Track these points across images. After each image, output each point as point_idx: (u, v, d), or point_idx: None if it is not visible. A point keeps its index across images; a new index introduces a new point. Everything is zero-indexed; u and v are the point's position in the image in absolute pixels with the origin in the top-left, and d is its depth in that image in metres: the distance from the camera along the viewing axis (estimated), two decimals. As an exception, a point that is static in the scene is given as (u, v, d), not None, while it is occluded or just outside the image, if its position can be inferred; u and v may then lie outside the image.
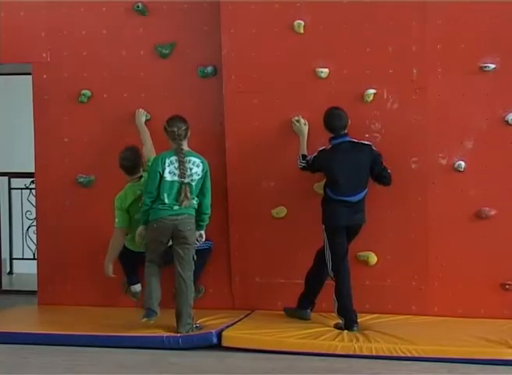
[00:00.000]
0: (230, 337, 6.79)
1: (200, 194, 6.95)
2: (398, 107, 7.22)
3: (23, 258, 10.08)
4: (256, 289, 7.64)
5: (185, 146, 6.96)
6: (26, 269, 9.72)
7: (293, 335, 6.77)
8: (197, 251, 7.15)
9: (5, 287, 9.54)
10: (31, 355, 6.75)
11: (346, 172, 6.90)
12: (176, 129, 6.91)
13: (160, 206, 6.84)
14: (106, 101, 7.86)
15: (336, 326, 6.96)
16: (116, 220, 7.34)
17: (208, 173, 6.97)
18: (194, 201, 6.91)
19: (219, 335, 6.79)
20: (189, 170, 6.86)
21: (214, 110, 7.65)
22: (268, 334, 6.79)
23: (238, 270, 7.68)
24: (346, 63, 7.29)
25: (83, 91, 7.88)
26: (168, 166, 6.86)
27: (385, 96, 7.23)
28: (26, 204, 9.87)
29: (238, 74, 7.48)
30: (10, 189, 9.96)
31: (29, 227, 10.00)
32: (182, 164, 6.85)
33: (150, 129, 7.72)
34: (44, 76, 7.96)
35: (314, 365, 6.40)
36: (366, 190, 6.98)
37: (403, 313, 7.27)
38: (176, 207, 6.84)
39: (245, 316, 7.41)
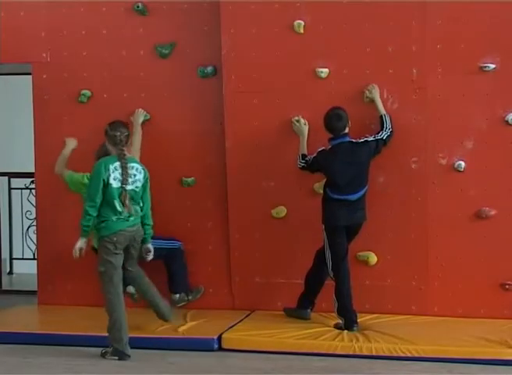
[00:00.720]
0: (230, 339, 6.79)
1: (141, 202, 6.77)
2: (398, 107, 7.22)
3: (23, 258, 10.07)
4: (256, 289, 7.64)
5: (127, 152, 6.74)
6: (26, 269, 9.71)
7: (292, 335, 6.78)
8: (168, 254, 7.22)
9: (5, 287, 9.54)
10: (31, 355, 6.75)
11: (345, 172, 6.91)
12: (118, 133, 6.69)
13: (114, 217, 6.61)
14: (106, 101, 7.86)
15: (336, 326, 6.96)
16: (68, 174, 7.33)
17: (148, 181, 6.79)
18: (139, 208, 6.73)
19: (220, 339, 6.81)
20: (132, 177, 6.66)
21: (214, 110, 7.65)
22: (267, 335, 6.79)
23: (238, 270, 7.68)
24: (346, 63, 7.29)
25: (83, 91, 7.88)
26: (113, 172, 6.61)
27: (385, 96, 7.23)
28: (26, 204, 9.87)
29: (238, 74, 7.48)
30: (10, 189, 9.96)
31: (29, 227, 10.00)
32: (125, 170, 6.62)
33: (149, 129, 7.73)
34: (44, 76, 7.97)
35: (314, 365, 6.40)
36: (366, 187, 6.98)
37: (403, 313, 7.27)
38: (131, 217, 6.67)
39: (245, 317, 7.41)
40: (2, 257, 9.81)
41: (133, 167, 6.70)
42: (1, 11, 7.97)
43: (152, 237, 6.92)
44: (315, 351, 6.58)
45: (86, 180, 7.13)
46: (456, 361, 6.31)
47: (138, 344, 6.81)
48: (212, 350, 6.74)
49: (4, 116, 10.71)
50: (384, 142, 7.04)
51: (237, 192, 7.59)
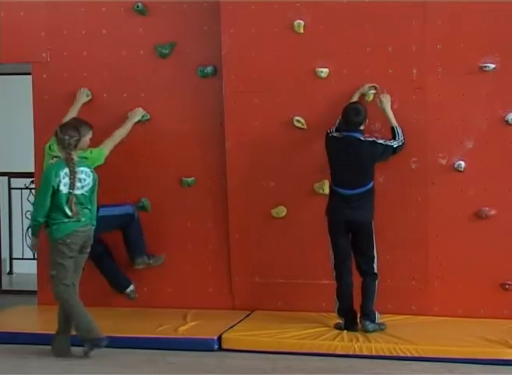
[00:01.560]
0: (230, 339, 6.79)
1: (92, 204, 6.77)
2: (398, 107, 7.21)
3: (22, 258, 10.07)
4: (256, 289, 7.64)
5: (75, 156, 6.70)
6: (26, 269, 9.71)
7: (292, 335, 6.78)
8: (123, 222, 7.36)
9: (5, 287, 9.54)
10: (31, 355, 6.75)
11: (344, 165, 6.88)
12: (67, 137, 6.64)
13: (66, 219, 6.60)
14: (106, 101, 7.86)
15: (336, 327, 6.95)
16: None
17: (97, 183, 6.78)
18: (88, 211, 6.70)
19: (220, 339, 6.81)
20: (82, 181, 6.65)
21: (214, 110, 7.64)
22: (267, 335, 6.79)
23: (238, 270, 7.68)
24: (346, 63, 7.29)
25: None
26: (63, 178, 6.58)
27: (385, 96, 7.24)
28: (26, 204, 9.85)
29: (238, 74, 7.48)
30: (10, 189, 9.96)
31: (29, 227, 9.98)
32: (73, 175, 6.60)
33: (149, 129, 7.74)
34: (44, 76, 7.96)
35: (314, 365, 6.40)
36: (365, 188, 6.90)
37: (403, 313, 7.27)
38: (83, 218, 6.65)
39: (245, 317, 7.40)
40: (2, 257, 9.82)
41: (82, 171, 6.68)
42: (1, 11, 7.96)
43: (104, 206, 7.13)
44: (315, 351, 6.58)
45: (48, 150, 7.23)
46: (457, 361, 6.31)
47: (138, 344, 6.82)
48: (212, 350, 6.74)
49: (4, 116, 10.71)
50: (394, 150, 6.95)
51: (237, 192, 7.59)
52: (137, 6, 7.72)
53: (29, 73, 8.07)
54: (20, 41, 7.95)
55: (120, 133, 7.54)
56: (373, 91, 7.21)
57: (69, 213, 6.60)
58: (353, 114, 6.91)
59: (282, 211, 7.53)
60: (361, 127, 6.95)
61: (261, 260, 7.60)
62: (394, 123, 7.04)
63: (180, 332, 6.98)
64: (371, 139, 6.94)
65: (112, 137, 7.47)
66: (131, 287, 7.67)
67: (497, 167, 7.16)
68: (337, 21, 7.28)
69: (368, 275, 6.91)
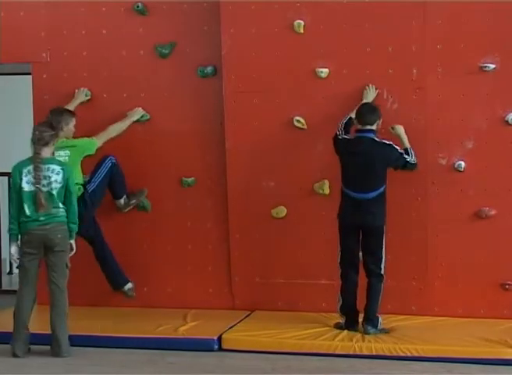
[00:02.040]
0: (230, 339, 6.79)
1: (65, 202, 6.68)
2: (398, 107, 7.21)
3: (22, 259, 10.05)
4: (256, 289, 7.64)
5: (45, 153, 6.65)
6: (26, 270, 9.69)
7: (292, 336, 6.78)
8: (107, 175, 7.42)
9: (4, 287, 9.55)
10: (31, 355, 6.75)
11: (355, 167, 6.83)
12: (36, 132, 6.65)
13: (25, 219, 6.61)
14: (106, 101, 7.86)
15: (337, 326, 6.95)
16: None
17: (71, 181, 6.70)
18: (61, 209, 6.65)
19: (220, 339, 6.81)
20: (48, 178, 6.58)
21: (214, 110, 7.64)
22: (267, 336, 6.79)
23: (238, 270, 7.68)
24: (346, 63, 7.29)
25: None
26: (26, 175, 6.59)
27: (385, 96, 7.23)
28: (25, 204, 9.85)
29: (238, 74, 7.47)
30: (10, 189, 9.94)
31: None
32: (37, 171, 6.55)
33: (149, 129, 7.75)
34: (44, 76, 7.96)
35: (314, 365, 6.40)
36: (377, 192, 6.83)
37: (403, 313, 7.26)
38: (42, 217, 6.60)
39: (245, 317, 7.40)
40: (2, 257, 9.81)
41: (48, 168, 6.63)
42: (1, 11, 7.96)
43: (92, 175, 7.36)
44: (315, 351, 6.58)
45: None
46: (456, 361, 6.31)
47: (138, 344, 6.83)
48: (212, 350, 6.74)
49: (4, 116, 10.70)
50: (405, 163, 6.86)
51: (237, 192, 7.58)
52: (137, 6, 7.72)
53: (29, 73, 8.07)
54: (20, 41, 7.94)
55: (116, 128, 7.56)
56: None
57: (28, 212, 6.60)
58: (368, 111, 6.87)
59: (282, 211, 7.53)
60: (375, 127, 6.87)
61: (261, 260, 7.60)
62: (407, 144, 6.97)
63: (180, 332, 6.98)
64: (387, 142, 6.87)
65: (106, 130, 7.50)
66: (129, 285, 7.66)
67: (497, 167, 7.16)
68: (337, 21, 7.28)
69: (374, 275, 6.88)
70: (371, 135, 6.86)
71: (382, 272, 6.89)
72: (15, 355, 6.67)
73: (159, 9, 7.73)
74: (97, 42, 7.84)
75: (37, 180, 6.57)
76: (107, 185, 7.56)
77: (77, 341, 6.89)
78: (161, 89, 7.76)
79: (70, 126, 7.29)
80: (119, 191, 7.68)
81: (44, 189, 6.59)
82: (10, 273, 10.16)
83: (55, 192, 6.63)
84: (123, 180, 7.68)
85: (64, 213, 6.69)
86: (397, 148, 6.88)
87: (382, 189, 6.87)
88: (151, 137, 7.74)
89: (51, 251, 6.67)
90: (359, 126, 6.92)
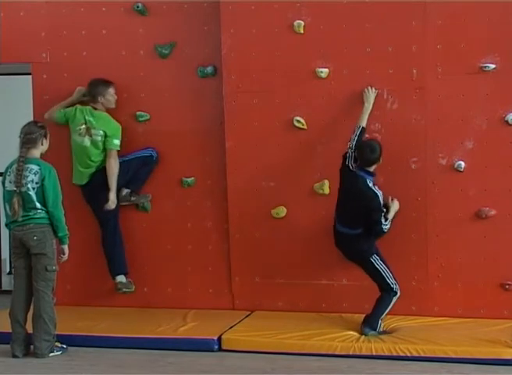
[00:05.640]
0: (230, 340, 6.79)
1: (45, 205, 6.61)
2: (398, 107, 7.21)
3: (23, 259, 10.05)
4: (256, 289, 7.64)
5: (32, 153, 6.68)
6: (26, 270, 9.70)
7: (292, 336, 6.78)
8: (141, 159, 7.49)
9: (4, 287, 9.54)
10: (31, 355, 6.75)
11: (344, 197, 6.87)
12: (22, 135, 6.73)
13: (6, 218, 6.69)
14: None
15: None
16: None
17: (49, 181, 6.59)
18: (39, 210, 6.59)
19: (220, 340, 6.81)
20: (25, 178, 6.57)
21: (214, 110, 7.65)
22: (267, 336, 6.79)
23: (238, 270, 7.68)
24: (346, 63, 7.29)
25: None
26: (9, 175, 6.65)
27: (385, 96, 7.23)
28: (25, 204, 9.84)
29: (238, 74, 7.48)
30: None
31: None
32: (18, 172, 6.56)
33: (149, 129, 7.75)
34: (44, 76, 7.97)
35: (314, 365, 6.40)
36: (354, 231, 6.82)
37: (403, 313, 7.26)
38: (20, 218, 6.57)
39: (245, 317, 7.40)
40: (2, 257, 9.81)
41: (27, 168, 6.62)
42: (1, 11, 7.97)
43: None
44: (315, 351, 6.58)
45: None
46: (456, 361, 6.31)
47: (138, 344, 6.83)
48: (212, 350, 6.74)
49: (4, 116, 10.69)
50: (376, 221, 6.71)
51: (237, 192, 7.58)
52: (137, 6, 7.72)
53: (29, 73, 8.07)
54: (20, 41, 7.95)
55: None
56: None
57: (8, 211, 6.62)
58: (368, 151, 6.79)
59: (282, 211, 7.53)
60: (373, 167, 6.82)
61: (261, 260, 7.60)
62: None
63: (180, 332, 6.98)
64: (376, 192, 6.76)
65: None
66: (122, 278, 7.62)
67: (497, 167, 7.16)
68: (337, 21, 7.28)
69: (383, 290, 6.89)
70: (367, 177, 6.78)
71: (392, 286, 6.87)
72: (14, 356, 6.67)
73: (159, 9, 7.73)
74: (97, 42, 7.85)
75: (16, 182, 6.57)
76: (135, 168, 7.57)
77: (77, 341, 6.89)
78: (161, 89, 7.76)
79: (108, 96, 7.41)
80: (133, 181, 7.66)
81: (23, 189, 6.59)
82: (10, 273, 10.15)
83: (32, 192, 6.60)
84: (145, 178, 7.68)
85: (44, 215, 6.62)
86: (380, 205, 6.73)
87: (359, 231, 6.83)
88: (151, 137, 7.74)
89: (31, 253, 6.64)
90: (358, 163, 6.86)
